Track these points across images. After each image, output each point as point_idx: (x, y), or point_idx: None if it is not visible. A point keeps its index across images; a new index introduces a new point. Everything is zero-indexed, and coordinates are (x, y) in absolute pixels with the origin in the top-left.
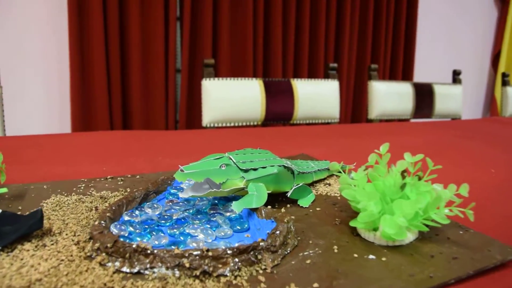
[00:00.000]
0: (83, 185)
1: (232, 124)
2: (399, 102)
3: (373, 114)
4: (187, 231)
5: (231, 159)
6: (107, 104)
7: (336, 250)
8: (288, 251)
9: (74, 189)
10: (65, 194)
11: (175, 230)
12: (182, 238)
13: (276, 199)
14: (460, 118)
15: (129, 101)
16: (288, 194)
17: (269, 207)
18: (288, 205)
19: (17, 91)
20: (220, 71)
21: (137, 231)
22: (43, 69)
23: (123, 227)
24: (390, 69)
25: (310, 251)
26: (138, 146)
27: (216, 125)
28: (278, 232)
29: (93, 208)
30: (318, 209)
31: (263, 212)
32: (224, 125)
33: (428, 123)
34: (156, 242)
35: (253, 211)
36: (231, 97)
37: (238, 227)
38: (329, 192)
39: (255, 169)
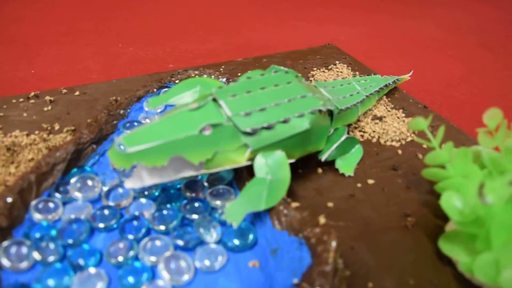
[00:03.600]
0: None
1: None
2: None
3: None
4: (141, 257)
5: (222, 108)
6: None
7: None
8: None
9: None
10: None
11: (120, 257)
12: (132, 279)
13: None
14: None
15: None
16: (323, 158)
17: (286, 200)
18: (319, 170)
19: None
20: None
21: (51, 258)
22: None
23: (22, 251)
24: None
25: None
26: (91, 22)
27: None
28: None
29: None
30: (370, 181)
31: (283, 219)
32: None
33: None
34: None
35: (265, 211)
36: None
37: (236, 243)
38: (381, 136)
39: (268, 128)
